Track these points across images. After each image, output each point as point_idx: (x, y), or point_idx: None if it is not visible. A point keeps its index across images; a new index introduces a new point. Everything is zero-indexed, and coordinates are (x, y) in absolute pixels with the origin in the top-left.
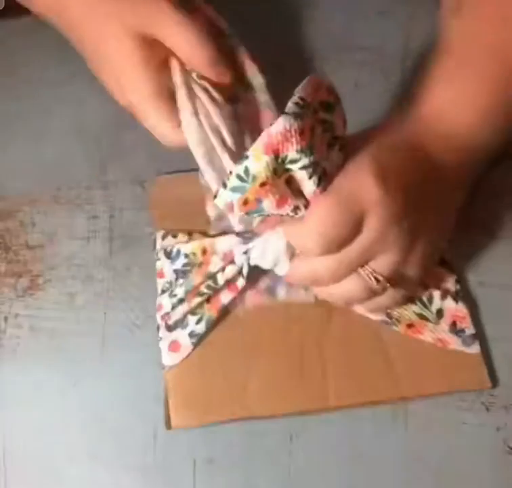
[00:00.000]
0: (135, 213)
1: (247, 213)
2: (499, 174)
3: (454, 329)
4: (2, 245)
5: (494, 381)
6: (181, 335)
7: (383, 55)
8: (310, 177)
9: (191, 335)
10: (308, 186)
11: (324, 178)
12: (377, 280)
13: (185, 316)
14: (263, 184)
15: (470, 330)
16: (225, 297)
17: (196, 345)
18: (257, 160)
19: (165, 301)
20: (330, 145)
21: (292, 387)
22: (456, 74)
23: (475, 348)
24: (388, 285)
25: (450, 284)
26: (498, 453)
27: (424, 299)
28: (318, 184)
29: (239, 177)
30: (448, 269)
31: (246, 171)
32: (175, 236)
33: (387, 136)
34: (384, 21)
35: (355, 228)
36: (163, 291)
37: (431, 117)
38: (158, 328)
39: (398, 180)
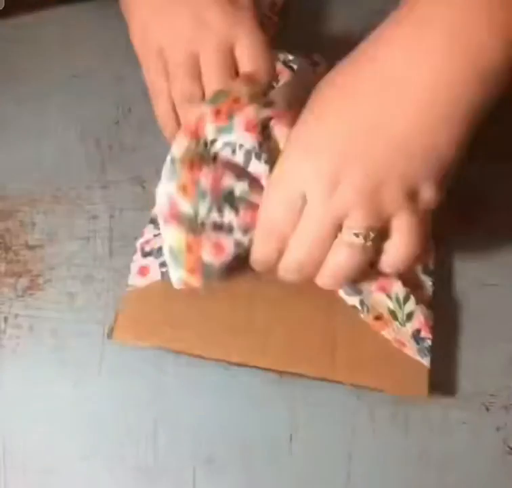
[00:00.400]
0: (135, 213)
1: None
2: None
3: (417, 336)
4: (2, 245)
5: (453, 390)
6: (153, 263)
7: None
8: (233, 152)
9: (162, 265)
10: (254, 166)
11: (269, 159)
12: (359, 236)
13: (161, 247)
14: (191, 167)
15: (428, 342)
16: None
17: (163, 276)
18: (179, 146)
19: (149, 230)
20: (265, 127)
21: (235, 336)
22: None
23: (426, 361)
24: (372, 235)
25: (427, 291)
26: (498, 453)
27: (401, 297)
28: (266, 164)
29: (170, 167)
30: (427, 274)
31: (172, 158)
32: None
33: (318, 97)
34: (384, 21)
35: (298, 206)
36: (152, 221)
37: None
38: (134, 252)
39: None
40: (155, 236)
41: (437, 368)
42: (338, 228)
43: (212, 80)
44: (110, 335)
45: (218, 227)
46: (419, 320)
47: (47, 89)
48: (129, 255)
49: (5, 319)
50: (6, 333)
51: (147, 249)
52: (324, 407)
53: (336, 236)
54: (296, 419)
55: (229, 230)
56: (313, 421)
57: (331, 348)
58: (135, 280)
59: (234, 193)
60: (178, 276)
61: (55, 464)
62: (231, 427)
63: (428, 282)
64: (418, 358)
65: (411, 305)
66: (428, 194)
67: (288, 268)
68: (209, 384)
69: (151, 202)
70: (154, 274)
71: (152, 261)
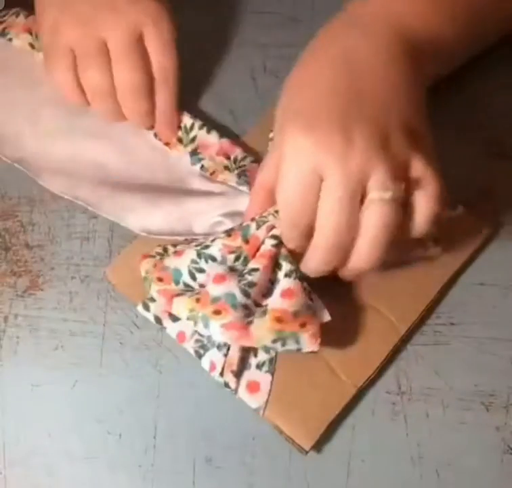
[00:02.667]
0: None
1: None
2: None
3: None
4: (2, 245)
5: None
6: (252, 373)
7: None
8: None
9: (259, 366)
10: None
11: None
12: (388, 190)
13: (244, 357)
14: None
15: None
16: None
17: (272, 373)
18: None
19: (214, 358)
20: None
21: (366, 341)
22: None
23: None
24: (402, 186)
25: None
26: (497, 453)
27: None
28: None
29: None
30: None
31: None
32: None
33: (303, 69)
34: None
35: (316, 183)
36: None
37: (355, 14)
38: (226, 385)
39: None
40: (226, 356)
41: (439, 367)
42: (362, 194)
43: (121, 70)
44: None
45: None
46: None
47: None
48: None
49: (5, 319)
50: (6, 333)
51: (235, 368)
52: None
53: (361, 204)
54: None
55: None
56: None
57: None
58: (253, 401)
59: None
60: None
61: (55, 464)
62: (231, 426)
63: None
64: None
65: None
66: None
67: (323, 247)
68: (209, 384)
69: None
70: (265, 383)
71: (250, 373)
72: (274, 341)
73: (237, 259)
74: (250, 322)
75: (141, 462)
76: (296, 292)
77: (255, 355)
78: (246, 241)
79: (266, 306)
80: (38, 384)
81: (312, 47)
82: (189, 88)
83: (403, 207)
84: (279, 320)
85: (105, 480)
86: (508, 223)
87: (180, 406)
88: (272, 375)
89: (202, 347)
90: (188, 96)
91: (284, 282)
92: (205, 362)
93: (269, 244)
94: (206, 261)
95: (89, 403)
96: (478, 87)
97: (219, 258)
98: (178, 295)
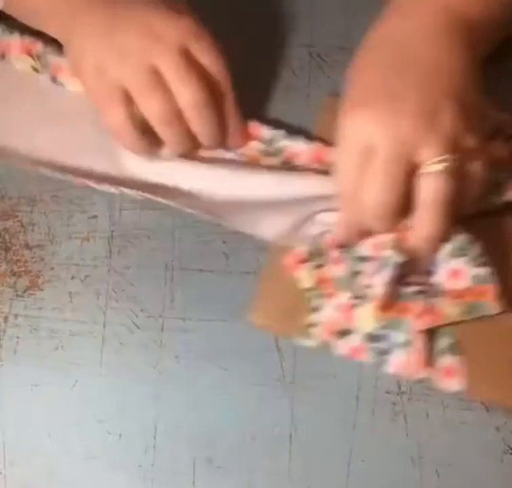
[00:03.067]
0: (135, 213)
1: None
2: None
3: None
4: (2, 244)
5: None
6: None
7: None
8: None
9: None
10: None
11: None
12: (442, 162)
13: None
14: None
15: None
16: None
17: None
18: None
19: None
20: None
21: None
22: None
23: None
24: (455, 156)
25: None
26: (498, 453)
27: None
28: None
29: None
30: None
31: None
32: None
33: (363, 59)
34: None
35: (369, 157)
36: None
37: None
38: (422, 380)
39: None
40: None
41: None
42: (414, 167)
43: (184, 91)
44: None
45: None
46: None
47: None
48: (128, 255)
49: (5, 319)
50: (6, 333)
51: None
52: (323, 407)
53: (413, 176)
54: (296, 419)
55: None
56: (313, 421)
57: None
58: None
59: None
60: None
61: (55, 464)
62: (231, 427)
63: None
64: None
65: None
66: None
67: (380, 219)
68: (209, 384)
69: (150, 202)
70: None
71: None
72: (462, 313)
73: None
74: (354, 306)
75: (141, 462)
76: (461, 272)
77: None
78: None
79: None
80: (38, 384)
81: (367, 36)
82: None
83: (459, 176)
84: (458, 295)
85: (105, 480)
86: None
87: (180, 406)
88: (461, 355)
89: (382, 353)
90: None
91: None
92: (391, 367)
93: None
94: (361, 262)
95: (89, 403)
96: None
97: (372, 255)
98: (353, 306)
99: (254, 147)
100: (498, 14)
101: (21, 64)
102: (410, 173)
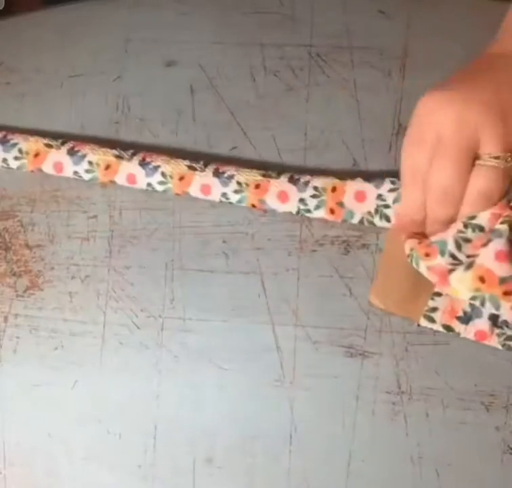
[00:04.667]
0: (135, 213)
1: None
2: None
3: None
4: (2, 244)
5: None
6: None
7: (383, 55)
8: None
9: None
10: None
11: None
12: (499, 158)
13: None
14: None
15: None
16: None
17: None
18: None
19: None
20: None
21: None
22: None
23: None
24: (509, 156)
25: None
26: (497, 453)
27: None
28: None
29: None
30: None
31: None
32: None
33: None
34: (384, 21)
35: (434, 143)
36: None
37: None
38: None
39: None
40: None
41: (439, 367)
42: (474, 157)
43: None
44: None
45: None
46: None
47: (47, 88)
48: (128, 255)
49: (5, 319)
50: (6, 333)
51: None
52: (323, 407)
53: (473, 165)
54: (296, 419)
55: None
56: (313, 421)
57: None
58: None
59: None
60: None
61: (55, 464)
62: (231, 426)
63: None
64: None
65: None
66: None
67: (435, 197)
68: (209, 384)
69: (150, 201)
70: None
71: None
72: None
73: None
74: (451, 271)
75: (141, 462)
76: (508, 256)
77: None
78: None
79: (475, 257)
80: (38, 384)
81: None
82: (189, 88)
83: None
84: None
85: (105, 480)
86: None
87: (180, 406)
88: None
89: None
90: (188, 96)
91: (497, 243)
92: (470, 333)
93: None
94: (473, 231)
95: (89, 403)
96: None
97: (487, 228)
98: (450, 271)
99: None
100: None
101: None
102: (469, 162)
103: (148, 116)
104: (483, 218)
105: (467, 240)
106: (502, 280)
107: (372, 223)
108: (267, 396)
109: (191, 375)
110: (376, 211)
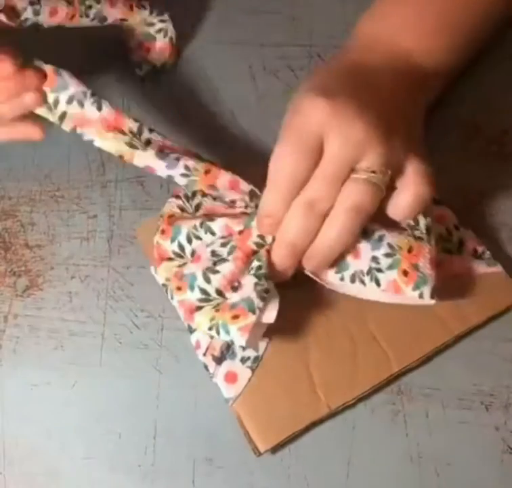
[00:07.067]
0: (135, 213)
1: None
2: None
3: (476, 254)
4: (2, 244)
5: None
6: (234, 365)
7: None
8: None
9: (243, 360)
10: None
11: None
12: (376, 172)
13: (229, 347)
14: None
15: (487, 252)
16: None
17: (254, 369)
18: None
19: (201, 337)
20: None
21: (355, 367)
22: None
23: (498, 267)
24: (389, 173)
25: (453, 218)
26: (497, 453)
27: (444, 231)
28: None
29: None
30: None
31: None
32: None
33: (326, 68)
34: None
35: (317, 150)
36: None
37: (371, 43)
38: (205, 367)
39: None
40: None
41: (439, 367)
42: (351, 171)
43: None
44: (257, 451)
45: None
46: (470, 241)
47: None
48: (128, 255)
49: (5, 319)
50: (6, 333)
51: (216, 353)
52: None
53: (347, 178)
54: None
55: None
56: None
57: (430, 311)
58: (230, 391)
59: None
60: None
61: (55, 464)
62: (231, 426)
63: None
64: (491, 269)
65: (455, 233)
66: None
67: (304, 204)
68: (209, 384)
69: (150, 201)
70: (244, 374)
71: (231, 363)
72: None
73: (224, 245)
74: (199, 308)
75: (141, 462)
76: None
77: (243, 349)
78: (240, 232)
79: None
80: (38, 384)
81: (328, 61)
82: (189, 88)
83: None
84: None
85: (105, 480)
86: (508, 223)
87: (180, 406)
88: (253, 371)
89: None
90: (188, 96)
91: (247, 279)
92: (192, 339)
93: (253, 241)
94: (205, 233)
95: (88, 403)
96: (478, 86)
97: (218, 233)
98: (197, 308)
99: None
100: (445, 67)
101: (107, 144)
102: (345, 175)
103: (148, 116)
104: (219, 224)
105: (198, 238)
106: (233, 306)
107: None
108: None
109: (191, 375)
110: None
